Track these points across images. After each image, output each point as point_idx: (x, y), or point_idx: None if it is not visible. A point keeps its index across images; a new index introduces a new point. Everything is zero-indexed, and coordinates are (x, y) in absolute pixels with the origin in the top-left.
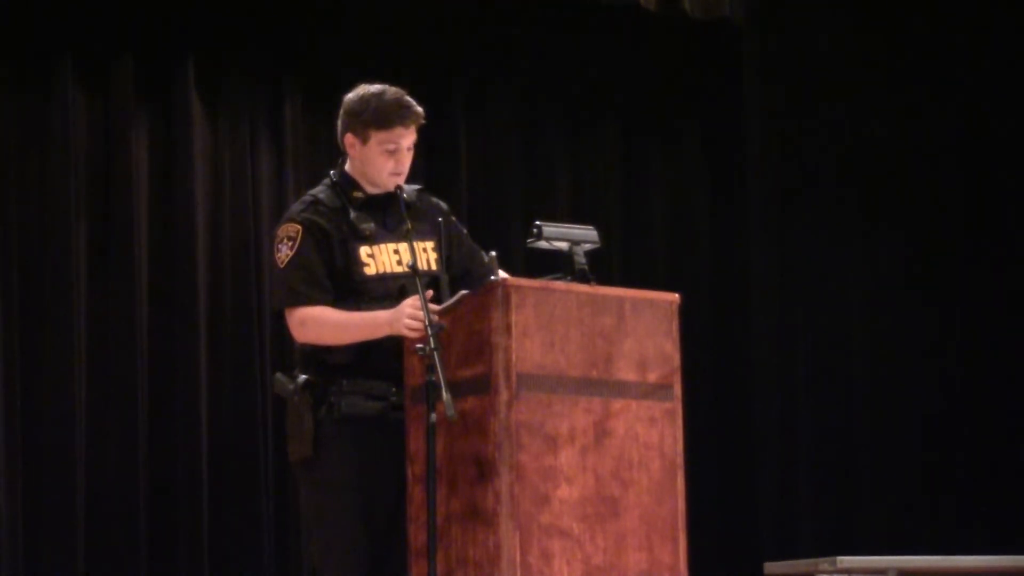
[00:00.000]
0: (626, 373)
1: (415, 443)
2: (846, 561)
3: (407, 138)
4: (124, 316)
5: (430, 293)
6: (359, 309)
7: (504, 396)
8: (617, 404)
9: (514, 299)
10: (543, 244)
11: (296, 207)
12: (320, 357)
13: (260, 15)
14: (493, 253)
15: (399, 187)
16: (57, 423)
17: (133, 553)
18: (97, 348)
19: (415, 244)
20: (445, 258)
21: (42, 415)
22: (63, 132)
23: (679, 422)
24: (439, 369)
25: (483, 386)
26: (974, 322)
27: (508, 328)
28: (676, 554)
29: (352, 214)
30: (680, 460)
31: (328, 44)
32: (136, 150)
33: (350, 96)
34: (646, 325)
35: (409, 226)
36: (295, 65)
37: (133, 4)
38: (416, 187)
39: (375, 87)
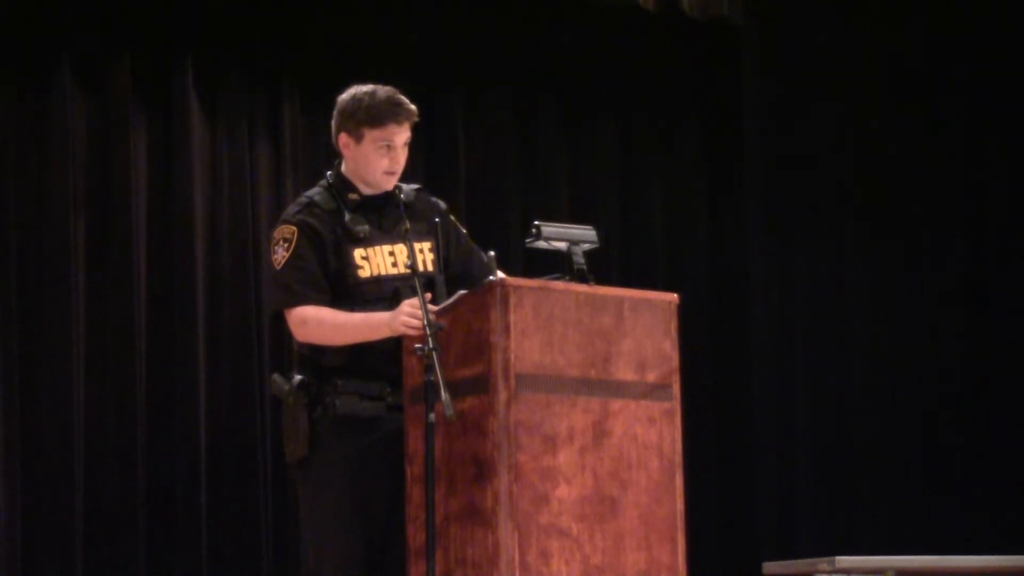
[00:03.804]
0: (625, 373)
1: (414, 443)
2: (845, 561)
3: (401, 135)
4: (123, 316)
5: (429, 296)
6: (354, 311)
7: (503, 396)
8: (616, 404)
9: (512, 299)
10: (542, 244)
11: (291, 209)
12: (315, 359)
13: (259, 16)
14: (492, 253)
15: (397, 187)
16: (56, 423)
17: (131, 553)
18: (96, 348)
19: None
20: (443, 258)
21: (41, 415)
22: (62, 132)
23: (678, 422)
24: (438, 369)
25: (482, 386)
26: (974, 321)
27: (507, 328)
28: (675, 554)
29: (347, 216)
30: (679, 460)
31: (326, 45)
32: (135, 150)
33: (343, 97)
34: (645, 325)
35: (407, 226)
36: (294, 66)
37: (132, 4)
38: (414, 187)
39: (366, 87)
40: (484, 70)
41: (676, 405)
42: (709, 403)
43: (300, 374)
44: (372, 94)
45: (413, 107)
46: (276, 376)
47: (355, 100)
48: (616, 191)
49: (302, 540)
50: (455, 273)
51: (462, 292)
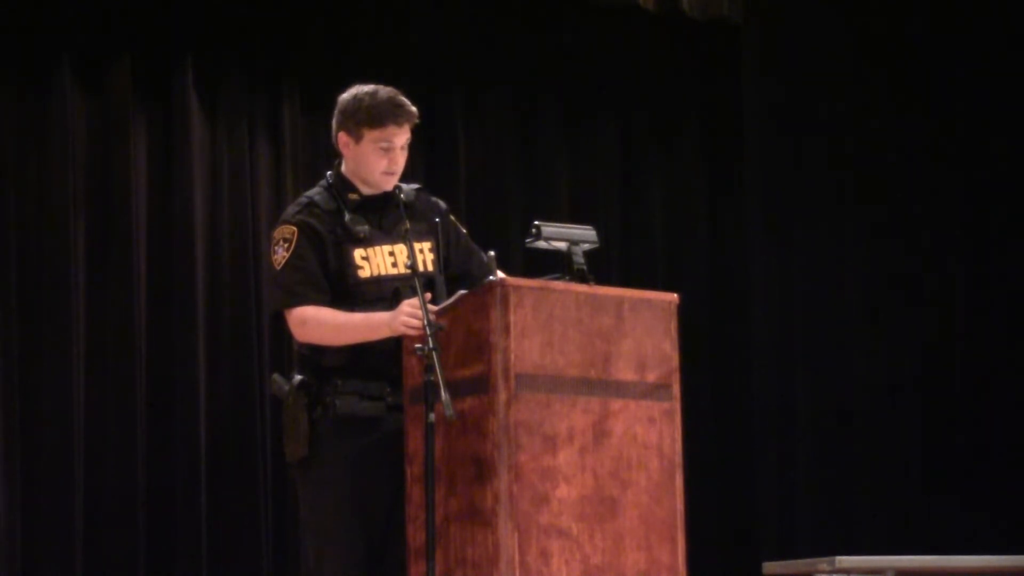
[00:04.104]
0: (625, 373)
1: (414, 443)
2: (845, 561)
3: (400, 137)
4: (123, 316)
5: (428, 295)
6: (354, 312)
7: (503, 396)
8: (616, 404)
9: (512, 299)
10: (542, 244)
11: (291, 209)
12: (315, 359)
13: (259, 16)
14: (492, 253)
15: (397, 187)
16: (56, 423)
17: (131, 553)
18: (96, 348)
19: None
20: (443, 258)
21: (41, 415)
22: (62, 132)
23: (678, 422)
24: (438, 369)
25: (482, 386)
26: (974, 321)
27: (507, 328)
28: (675, 554)
29: (347, 216)
30: (679, 460)
31: (326, 45)
32: (135, 150)
33: (344, 96)
34: (645, 325)
35: (407, 226)
36: (293, 66)
37: (132, 4)
38: (415, 187)
39: (368, 87)
40: (484, 70)
41: (676, 405)
42: (709, 403)
43: (300, 374)
44: (373, 94)
45: (414, 109)
46: (276, 376)
47: (356, 100)
48: (616, 191)
49: (302, 540)
50: (455, 273)
51: (462, 292)
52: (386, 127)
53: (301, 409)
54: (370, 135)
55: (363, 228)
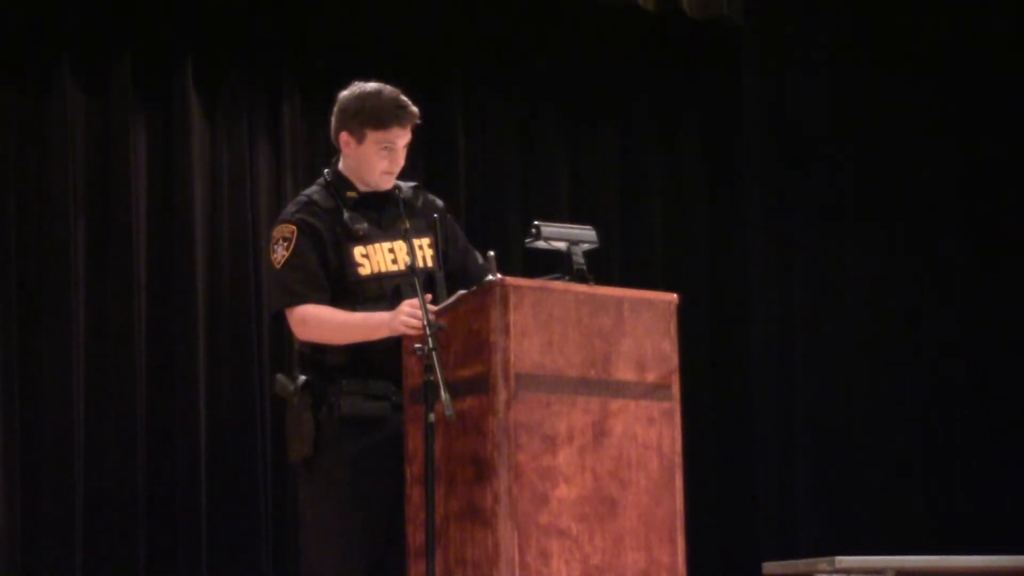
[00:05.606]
0: (624, 373)
1: (413, 443)
2: (844, 561)
3: (403, 138)
4: (123, 316)
5: (429, 296)
6: (354, 310)
7: (502, 396)
8: (615, 404)
9: (512, 299)
10: (541, 244)
11: (290, 208)
12: (318, 359)
13: (259, 15)
14: (492, 253)
15: (396, 184)
16: (55, 423)
17: (131, 553)
18: (96, 348)
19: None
20: (442, 253)
21: (40, 415)
22: (62, 131)
23: (677, 422)
24: (437, 369)
25: (481, 386)
26: (974, 320)
27: (506, 328)
28: (675, 554)
29: (346, 214)
30: (679, 460)
31: (326, 44)
32: (135, 149)
33: (345, 94)
34: (645, 325)
35: (407, 224)
36: (294, 65)
37: (132, 4)
38: (412, 184)
39: (371, 86)
40: (484, 70)
41: (676, 405)
42: (709, 403)
43: (304, 374)
44: (377, 95)
45: (416, 110)
46: (280, 376)
47: (359, 100)
48: (616, 191)
49: (303, 540)
50: (453, 271)
51: (462, 292)
52: (390, 129)
53: (306, 409)
54: (373, 136)
55: (362, 226)
